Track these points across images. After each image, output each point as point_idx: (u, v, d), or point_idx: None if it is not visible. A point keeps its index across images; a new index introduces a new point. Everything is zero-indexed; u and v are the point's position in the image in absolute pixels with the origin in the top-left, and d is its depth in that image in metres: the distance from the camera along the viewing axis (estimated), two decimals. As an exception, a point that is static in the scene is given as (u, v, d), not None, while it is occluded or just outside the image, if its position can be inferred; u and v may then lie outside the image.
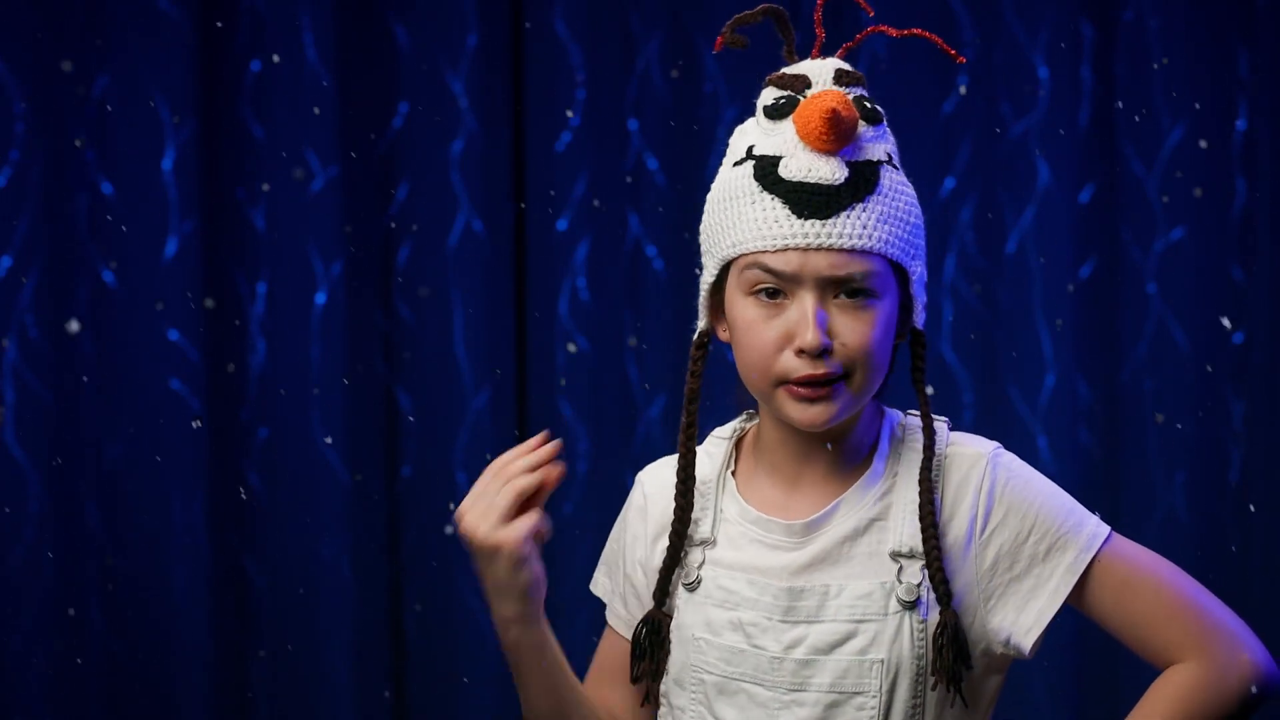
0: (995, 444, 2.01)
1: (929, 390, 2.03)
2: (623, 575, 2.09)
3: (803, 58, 2.01)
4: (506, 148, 3.77)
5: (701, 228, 2.01)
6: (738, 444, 2.07)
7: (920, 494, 1.95)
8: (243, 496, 3.70)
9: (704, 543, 2.02)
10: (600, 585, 2.13)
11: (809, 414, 1.92)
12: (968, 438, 2.01)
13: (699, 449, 2.06)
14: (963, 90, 3.74)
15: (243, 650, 3.71)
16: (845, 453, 2.00)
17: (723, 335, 2.00)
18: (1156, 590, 1.96)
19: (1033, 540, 1.96)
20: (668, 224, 3.76)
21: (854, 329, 1.91)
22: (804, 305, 1.90)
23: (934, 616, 1.94)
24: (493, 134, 3.76)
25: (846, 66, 1.98)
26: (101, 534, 3.65)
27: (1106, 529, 1.98)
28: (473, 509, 1.92)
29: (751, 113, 2.01)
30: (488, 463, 1.76)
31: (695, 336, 2.03)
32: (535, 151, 3.76)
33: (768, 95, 1.98)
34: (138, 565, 3.66)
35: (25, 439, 3.61)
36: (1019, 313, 3.74)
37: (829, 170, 1.91)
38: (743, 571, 1.98)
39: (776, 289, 1.92)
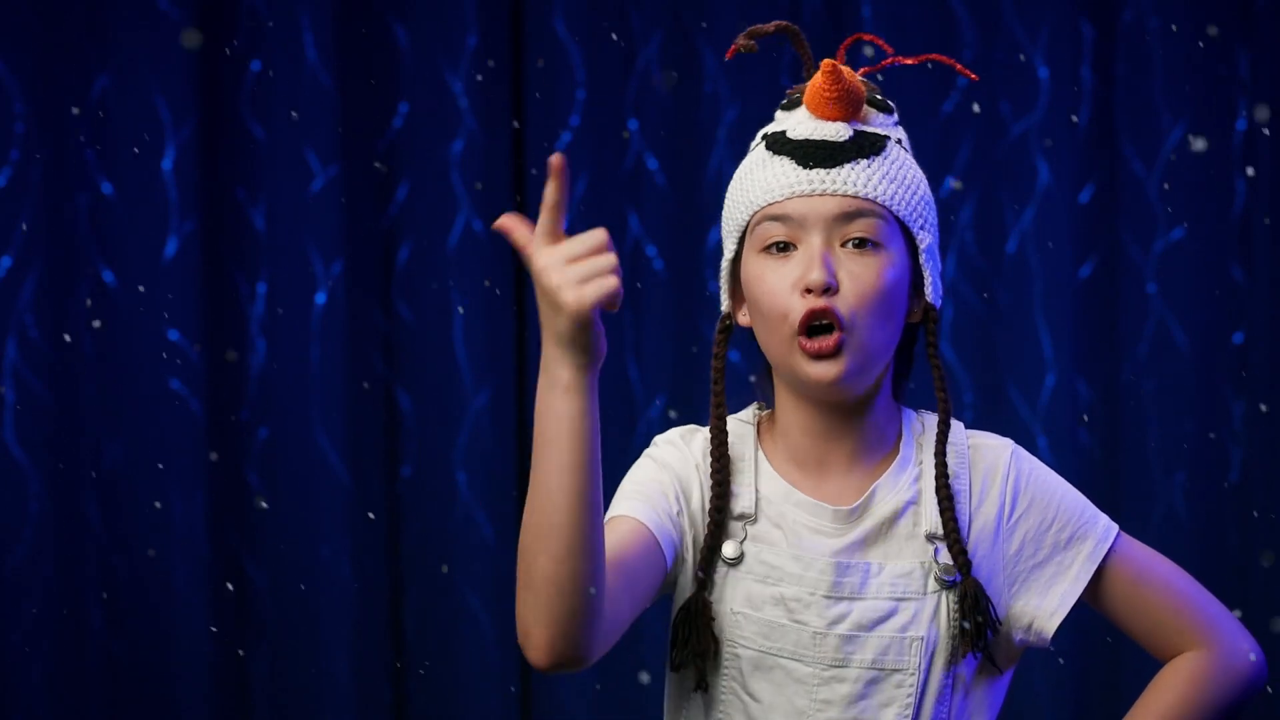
0: (1011, 440, 2.10)
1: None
2: (674, 499, 2.02)
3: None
4: (506, 148, 3.77)
5: (721, 218, 2.08)
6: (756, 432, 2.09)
7: (935, 469, 2.01)
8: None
9: (744, 518, 2.03)
10: (622, 506, 2.04)
11: (818, 369, 1.96)
12: (986, 433, 2.10)
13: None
14: (970, 105, 3.74)
15: (243, 651, 3.71)
16: (869, 439, 2.04)
17: (742, 319, 2.06)
18: (1164, 585, 2.06)
19: (1055, 529, 2.04)
20: (668, 224, 3.76)
21: (858, 275, 1.97)
22: (811, 247, 1.97)
23: (960, 583, 2.00)
24: (493, 134, 3.76)
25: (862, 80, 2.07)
26: (101, 534, 3.65)
27: (1116, 526, 2.07)
28: (558, 270, 1.79)
29: (751, 113, 2.06)
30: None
31: (718, 321, 2.08)
32: (535, 151, 3.76)
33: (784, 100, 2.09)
34: (138, 565, 3.66)
35: (25, 439, 3.61)
36: (1019, 313, 3.74)
37: (833, 130, 2.01)
38: (788, 548, 2.01)
39: (786, 242, 1.99)
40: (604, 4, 3.76)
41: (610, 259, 1.80)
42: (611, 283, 1.78)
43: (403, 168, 3.75)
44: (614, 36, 3.76)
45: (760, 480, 2.04)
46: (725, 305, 2.07)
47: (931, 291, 2.04)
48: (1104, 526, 2.05)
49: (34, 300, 3.61)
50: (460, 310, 3.75)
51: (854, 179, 1.99)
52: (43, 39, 3.61)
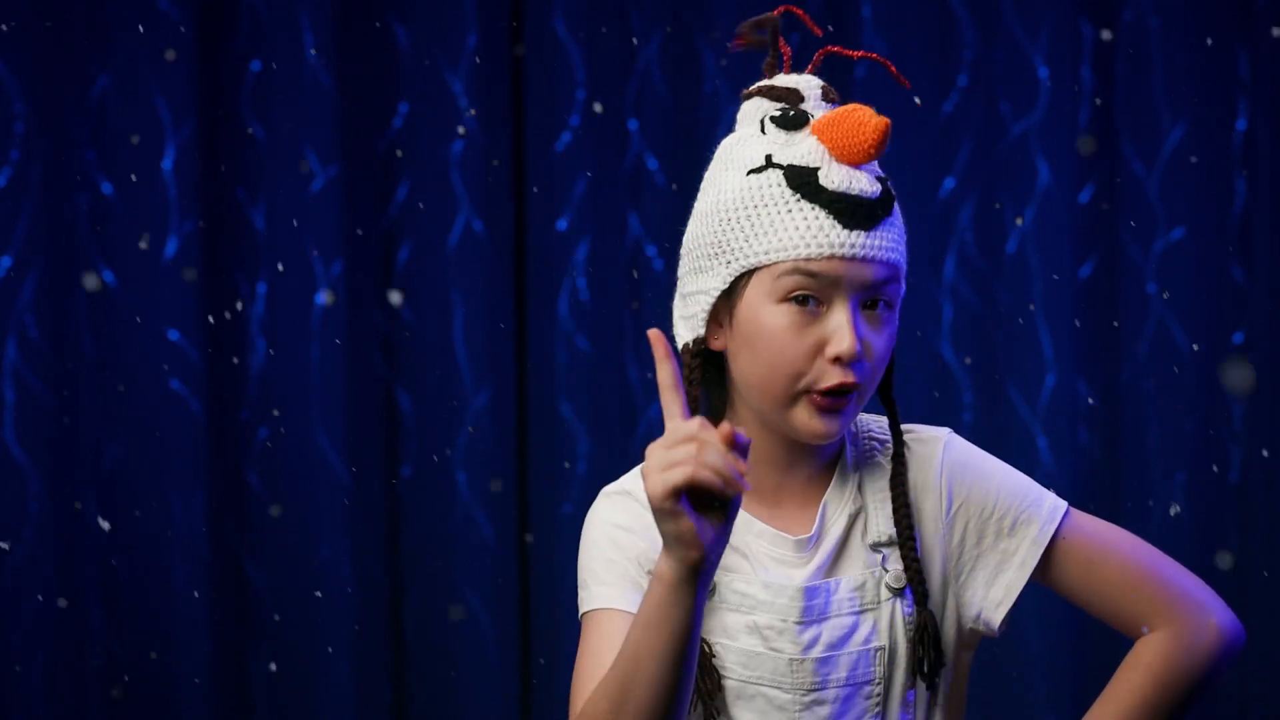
0: (947, 429, 2.06)
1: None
2: (640, 561, 1.99)
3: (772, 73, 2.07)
4: (506, 148, 3.77)
5: (701, 236, 2.02)
6: None
7: (894, 499, 2.00)
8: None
9: None
10: (602, 596, 2.00)
11: (826, 425, 1.94)
12: (919, 426, 2.06)
13: None
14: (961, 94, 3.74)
15: (243, 651, 3.71)
16: (821, 459, 2.03)
17: (716, 344, 2.01)
18: (1121, 561, 2.02)
19: (996, 516, 2.02)
20: (668, 224, 3.76)
21: (875, 339, 1.94)
22: (842, 314, 1.93)
23: (915, 614, 1.99)
24: (493, 134, 3.76)
25: (826, 84, 2.03)
26: (101, 534, 3.65)
27: (1064, 504, 2.03)
28: (654, 453, 1.75)
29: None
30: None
31: (689, 344, 2.02)
32: (535, 151, 3.76)
33: (766, 107, 2.05)
34: (138, 565, 3.66)
35: (25, 439, 3.61)
36: (1019, 313, 3.74)
37: (867, 183, 1.94)
38: (756, 576, 2.00)
39: (812, 296, 1.93)
40: (604, 4, 3.76)
41: (688, 449, 1.71)
42: (680, 474, 1.71)
43: (403, 168, 3.75)
44: (614, 36, 3.76)
45: None
46: (702, 329, 2.01)
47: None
48: (1049, 507, 2.02)
49: (34, 300, 3.61)
50: (460, 310, 3.75)
51: (887, 243, 1.94)
52: (43, 39, 3.61)
